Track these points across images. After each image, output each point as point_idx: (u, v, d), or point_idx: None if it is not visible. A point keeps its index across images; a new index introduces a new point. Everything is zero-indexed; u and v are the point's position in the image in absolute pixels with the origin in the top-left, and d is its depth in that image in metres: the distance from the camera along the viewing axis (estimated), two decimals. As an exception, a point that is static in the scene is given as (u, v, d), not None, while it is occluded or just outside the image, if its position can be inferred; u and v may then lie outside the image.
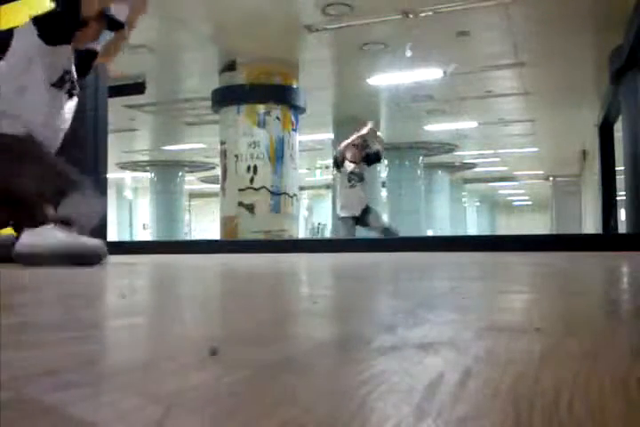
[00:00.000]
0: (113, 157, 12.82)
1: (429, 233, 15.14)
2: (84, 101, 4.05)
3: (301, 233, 17.18)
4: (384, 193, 13.88)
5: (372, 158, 5.85)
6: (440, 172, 17.45)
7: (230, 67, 8.00)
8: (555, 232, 18.67)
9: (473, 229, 25.68)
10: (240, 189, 7.78)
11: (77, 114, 2.97)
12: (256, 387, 0.41)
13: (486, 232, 28.10)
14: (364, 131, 5.76)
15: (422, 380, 0.42)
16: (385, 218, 6.15)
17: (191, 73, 9.00)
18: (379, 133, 6.10)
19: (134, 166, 17.68)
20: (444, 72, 8.45)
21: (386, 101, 10.41)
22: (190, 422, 0.33)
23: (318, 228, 22.78)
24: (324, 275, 2.02)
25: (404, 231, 13.71)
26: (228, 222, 7.92)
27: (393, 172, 14.41)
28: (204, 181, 20.61)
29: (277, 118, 7.88)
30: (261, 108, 7.84)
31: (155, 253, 4.30)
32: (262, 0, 6.34)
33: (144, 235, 21.08)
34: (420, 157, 14.56)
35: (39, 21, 2.64)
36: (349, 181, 5.70)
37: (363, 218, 5.74)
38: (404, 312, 0.82)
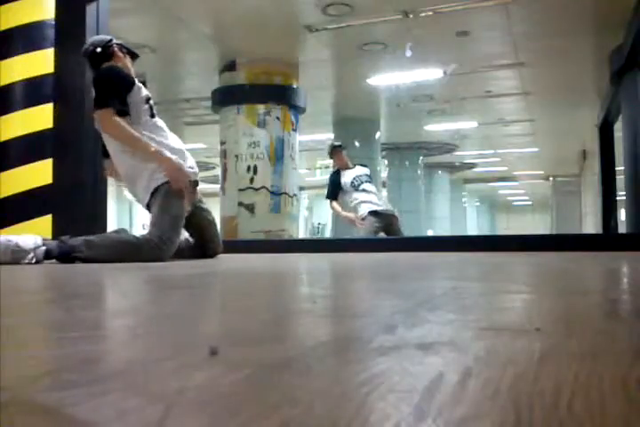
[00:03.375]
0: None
1: (429, 233, 15.13)
2: (85, 102, 4.06)
3: (301, 233, 17.17)
4: (384, 193, 13.87)
5: None
6: (440, 172, 17.44)
7: (230, 67, 7.99)
8: (555, 232, 18.67)
9: (473, 229, 25.67)
10: (240, 189, 7.77)
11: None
12: (256, 387, 0.41)
13: (486, 232, 28.08)
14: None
15: (422, 380, 0.42)
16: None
17: (191, 73, 8.99)
18: None
19: (134, 166, 17.66)
20: (444, 72, 8.45)
21: (386, 101, 10.40)
22: (190, 422, 0.33)
23: (318, 228, 22.75)
24: (323, 275, 2.02)
25: (404, 231, 13.74)
26: (228, 222, 7.92)
27: (393, 172, 14.41)
28: (204, 181, 20.58)
29: (277, 118, 7.87)
30: (261, 108, 7.83)
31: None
32: (262, 0, 6.34)
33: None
34: (420, 157, 14.55)
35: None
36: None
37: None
38: (404, 312, 0.82)
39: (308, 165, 17.34)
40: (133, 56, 3.41)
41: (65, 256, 2.76)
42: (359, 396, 0.38)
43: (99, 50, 3.25)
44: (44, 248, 2.76)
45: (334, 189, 6.04)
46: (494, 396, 0.38)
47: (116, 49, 3.29)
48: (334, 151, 6.13)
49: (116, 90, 3.07)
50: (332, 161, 6.46)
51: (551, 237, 6.73)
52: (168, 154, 3.01)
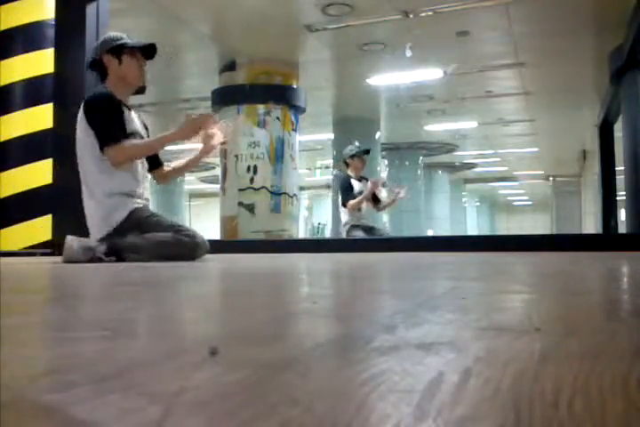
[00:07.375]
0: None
1: (429, 233, 15.13)
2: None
3: (301, 233, 17.17)
4: (384, 193, 13.88)
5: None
6: (440, 172, 17.45)
7: (230, 67, 7.99)
8: (555, 232, 18.68)
9: (473, 229, 25.67)
10: (240, 189, 7.77)
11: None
12: (256, 387, 0.41)
13: (486, 232, 28.08)
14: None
15: (422, 380, 0.42)
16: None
17: (191, 73, 8.99)
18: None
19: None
20: (444, 72, 8.45)
21: (386, 101, 10.41)
22: (190, 422, 0.33)
23: (318, 228, 22.75)
24: (323, 275, 2.02)
25: (404, 231, 13.75)
26: (228, 222, 7.92)
27: (393, 172, 14.41)
28: (204, 181, 20.61)
29: (277, 118, 7.87)
30: (261, 108, 7.83)
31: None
32: (262, 0, 6.34)
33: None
34: (420, 157, 14.56)
35: None
36: None
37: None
38: (404, 312, 0.82)
39: (308, 165, 17.34)
40: (146, 51, 3.04)
41: (115, 255, 2.83)
42: (359, 396, 0.38)
43: (89, 59, 3.05)
44: (103, 247, 2.81)
45: (350, 195, 6.02)
46: (494, 396, 0.38)
47: (105, 59, 2.99)
48: (362, 156, 6.10)
49: (113, 119, 2.91)
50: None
51: (551, 237, 6.74)
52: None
